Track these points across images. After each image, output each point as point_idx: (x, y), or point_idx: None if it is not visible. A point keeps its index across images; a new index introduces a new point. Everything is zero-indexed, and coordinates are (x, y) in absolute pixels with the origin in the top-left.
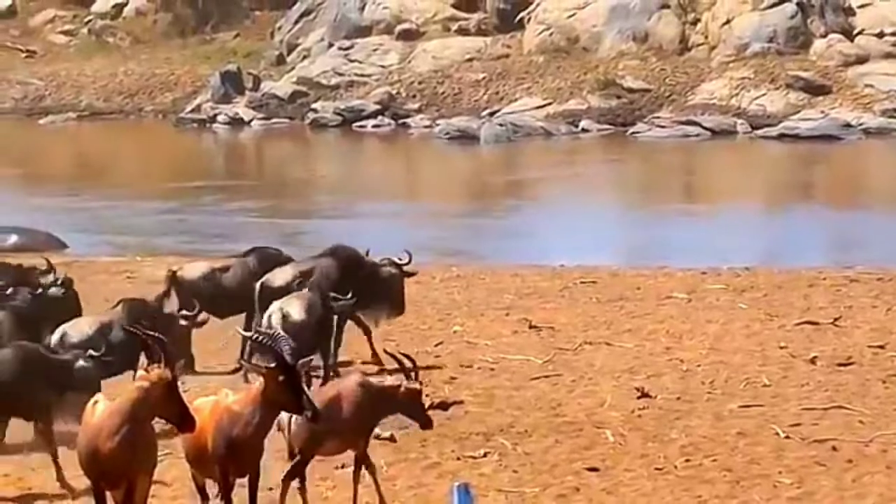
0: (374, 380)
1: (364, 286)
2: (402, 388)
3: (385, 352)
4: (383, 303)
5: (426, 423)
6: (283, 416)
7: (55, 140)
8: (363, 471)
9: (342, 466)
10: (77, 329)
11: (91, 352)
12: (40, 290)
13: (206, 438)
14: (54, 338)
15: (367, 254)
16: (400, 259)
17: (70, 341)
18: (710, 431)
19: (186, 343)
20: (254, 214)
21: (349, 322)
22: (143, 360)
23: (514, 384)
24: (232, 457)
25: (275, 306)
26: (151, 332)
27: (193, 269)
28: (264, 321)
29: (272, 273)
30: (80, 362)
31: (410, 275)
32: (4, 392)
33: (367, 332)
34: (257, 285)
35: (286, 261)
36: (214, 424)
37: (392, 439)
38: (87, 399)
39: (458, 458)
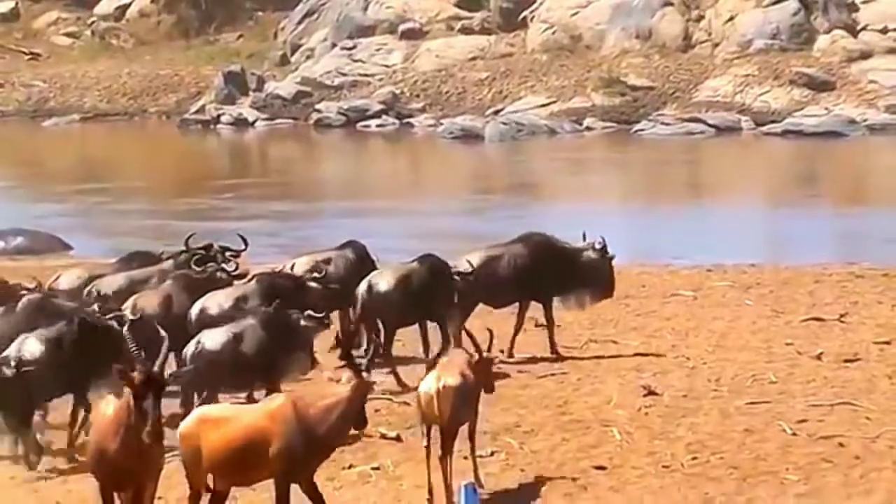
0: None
1: (563, 272)
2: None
3: None
4: (587, 287)
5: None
6: (425, 388)
7: (59, 142)
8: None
9: (350, 467)
10: (215, 302)
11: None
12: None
13: (251, 443)
14: (193, 311)
15: (584, 237)
16: (599, 243)
17: (209, 314)
18: (717, 429)
19: None
20: (266, 217)
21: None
22: None
23: (520, 383)
24: (311, 459)
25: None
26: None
27: (301, 265)
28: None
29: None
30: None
31: (612, 257)
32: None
33: (551, 323)
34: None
35: (363, 250)
36: (295, 426)
37: (398, 439)
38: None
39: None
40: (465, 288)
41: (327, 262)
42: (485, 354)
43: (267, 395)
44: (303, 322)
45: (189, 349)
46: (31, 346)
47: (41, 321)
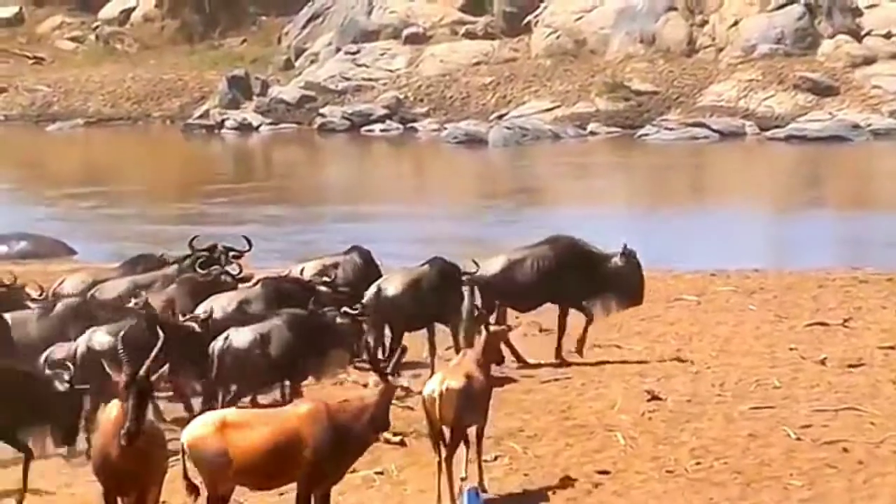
0: None
1: (588, 276)
2: None
3: None
4: (614, 293)
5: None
6: (429, 390)
7: (63, 146)
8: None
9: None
10: (218, 306)
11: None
12: None
13: (284, 447)
14: (198, 313)
15: (624, 246)
16: (630, 250)
17: (213, 318)
18: (721, 433)
19: None
20: (262, 221)
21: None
22: None
23: (524, 387)
24: (342, 464)
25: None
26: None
27: (310, 270)
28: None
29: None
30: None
31: (639, 266)
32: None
33: (562, 329)
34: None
35: (368, 255)
36: (329, 429)
37: (402, 443)
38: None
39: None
40: (488, 290)
41: (335, 267)
42: (493, 328)
43: (290, 396)
44: (339, 319)
45: (216, 345)
46: (100, 338)
47: (79, 326)
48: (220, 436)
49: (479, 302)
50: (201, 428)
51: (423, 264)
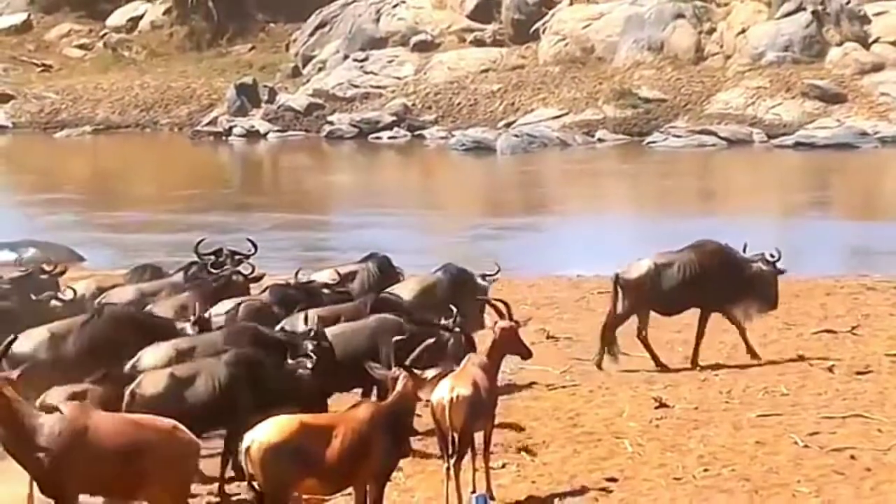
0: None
1: (733, 280)
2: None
3: None
4: (753, 298)
5: None
6: (438, 397)
7: (71, 154)
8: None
9: None
10: (224, 311)
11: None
12: None
13: (359, 449)
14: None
15: (744, 249)
16: (772, 256)
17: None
18: (729, 441)
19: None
20: (272, 229)
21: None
22: None
23: (531, 395)
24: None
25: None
26: None
27: (323, 278)
28: None
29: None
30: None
31: (782, 272)
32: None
33: (741, 328)
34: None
35: (386, 263)
36: (389, 430)
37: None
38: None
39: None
40: (634, 293)
41: (352, 275)
42: (501, 323)
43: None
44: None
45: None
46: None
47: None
48: (302, 438)
49: (622, 305)
50: (279, 431)
51: (435, 271)
